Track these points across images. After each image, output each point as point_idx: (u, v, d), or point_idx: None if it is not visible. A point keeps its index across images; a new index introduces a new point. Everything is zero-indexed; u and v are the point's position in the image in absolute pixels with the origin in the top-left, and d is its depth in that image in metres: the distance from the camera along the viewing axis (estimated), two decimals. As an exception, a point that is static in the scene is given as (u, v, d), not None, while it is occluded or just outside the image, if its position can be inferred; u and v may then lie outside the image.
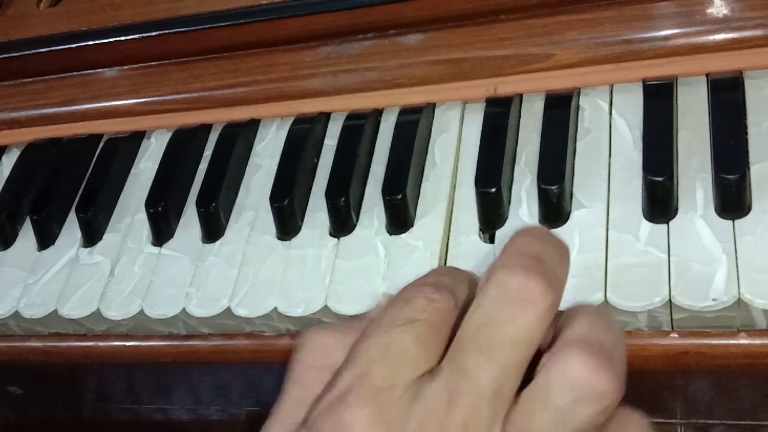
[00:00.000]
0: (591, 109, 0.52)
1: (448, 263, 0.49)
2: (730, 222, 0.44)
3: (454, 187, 0.53)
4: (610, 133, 0.51)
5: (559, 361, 0.35)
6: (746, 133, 0.47)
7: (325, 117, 0.59)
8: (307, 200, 0.55)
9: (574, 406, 0.35)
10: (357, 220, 0.53)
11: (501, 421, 0.35)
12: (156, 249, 0.57)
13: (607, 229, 0.46)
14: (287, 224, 0.54)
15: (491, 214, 0.50)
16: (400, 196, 0.51)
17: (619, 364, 0.36)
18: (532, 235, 0.39)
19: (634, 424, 0.38)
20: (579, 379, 0.35)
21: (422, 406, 0.35)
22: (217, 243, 0.55)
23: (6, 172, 0.67)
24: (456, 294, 0.39)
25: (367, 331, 0.38)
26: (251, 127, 0.61)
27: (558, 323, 0.39)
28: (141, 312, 0.54)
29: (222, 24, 0.60)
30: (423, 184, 0.53)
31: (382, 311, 0.39)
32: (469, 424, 0.34)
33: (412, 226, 0.51)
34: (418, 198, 0.52)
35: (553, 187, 0.47)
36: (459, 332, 0.37)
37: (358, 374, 0.36)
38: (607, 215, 0.47)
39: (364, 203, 0.53)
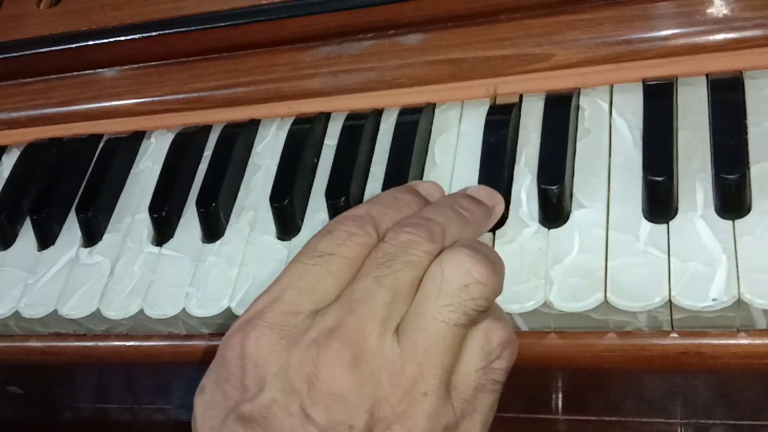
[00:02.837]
0: (591, 109, 0.52)
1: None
2: (730, 222, 0.44)
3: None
4: (610, 133, 0.51)
5: (445, 257, 0.40)
6: (746, 133, 0.47)
7: (325, 117, 0.59)
8: (307, 200, 0.55)
9: (463, 293, 0.39)
10: (357, 220, 0.53)
11: (396, 320, 0.39)
12: (156, 249, 0.57)
13: (607, 229, 0.46)
14: (287, 224, 0.54)
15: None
16: (400, 196, 0.51)
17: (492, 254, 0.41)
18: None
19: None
20: (461, 268, 0.39)
21: (320, 324, 0.39)
22: (217, 243, 0.55)
23: (6, 172, 0.67)
24: (380, 226, 0.43)
25: (294, 257, 0.42)
26: (251, 127, 0.61)
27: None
28: (141, 312, 0.54)
29: (222, 24, 0.60)
30: (423, 184, 0.53)
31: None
32: (366, 329, 0.38)
33: (412, 226, 0.51)
34: (418, 198, 0.52)
35: (553, 187, 0.47)
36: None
37: (271, 299, 0.40)
38: (607, 215, 0.47)
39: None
